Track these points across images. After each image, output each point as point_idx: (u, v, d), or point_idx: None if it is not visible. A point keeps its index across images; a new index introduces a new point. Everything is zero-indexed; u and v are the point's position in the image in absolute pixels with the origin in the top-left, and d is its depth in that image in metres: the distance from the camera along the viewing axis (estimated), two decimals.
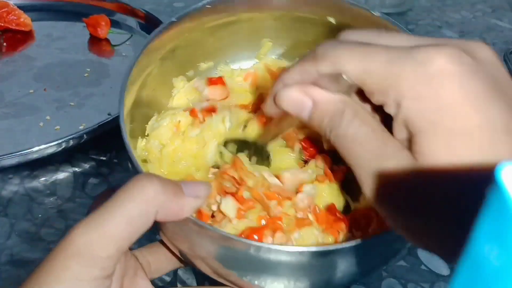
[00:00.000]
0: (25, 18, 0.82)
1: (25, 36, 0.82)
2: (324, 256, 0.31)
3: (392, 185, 0.25)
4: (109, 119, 0.60)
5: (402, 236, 0.26)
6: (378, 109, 0.27)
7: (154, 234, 0.34)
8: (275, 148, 0.42)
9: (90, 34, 0.82)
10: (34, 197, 0.56)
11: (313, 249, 0.30)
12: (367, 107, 0.29)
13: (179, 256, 0.36)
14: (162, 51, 0.43)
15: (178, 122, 0.43)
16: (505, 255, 0.12)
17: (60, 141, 0.57)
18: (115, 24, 0.84)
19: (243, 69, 0.48)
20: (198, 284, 0.49)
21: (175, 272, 0.49)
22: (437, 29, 0.94)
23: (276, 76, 0.35)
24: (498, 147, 0.23)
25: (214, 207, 0.38)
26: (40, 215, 0.54)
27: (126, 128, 0.35)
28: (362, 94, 0.28)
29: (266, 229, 0.35)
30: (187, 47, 0.45)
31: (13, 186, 0.57)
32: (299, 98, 0.28)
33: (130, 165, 0.34)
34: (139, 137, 0.41)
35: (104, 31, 0.81)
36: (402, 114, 0.24)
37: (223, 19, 0.45)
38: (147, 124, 0.43)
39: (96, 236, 0.26)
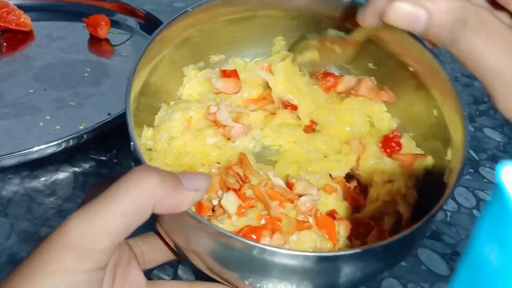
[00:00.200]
0: (25, 18, 0.82)
1: (25, 36, 0.82)
2: (317, 262, 0.30)
3: None
4: (109, 119, 0.60)
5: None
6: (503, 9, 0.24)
7: (150, 224, 0.34)
8: (287, 64, 0.43)
9: (90, 34, 0.82)
10: (34, 197, 0.56)
11: (307, 253, 0.30)
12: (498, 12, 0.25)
13: (174, 249, 0.35)
14: (176, 40, 0.43)
15: (190, 117, 0.43)
16: (505, 255, 0.12)
17: (60, 141, 0.57)
18: (115, 24, 0.84)
19: (257, 61, 0.48)
20: None
21: (175, 272, 0.49)
22: None
23: None
24: None
25: (215, 202, 0.38)
26: (40, 215, 0.54)
27: (130, 110, 0.34)
28: None
29: (265, 229, 0.35)
30: (201, 37, 0.44)
31: (13, 186, 0.57)
32: (412, 11, 0.25)
33: (131, 147, 0.33)
34: (145, 125, 0.41)
35: (104, 31, 0.81)
36: None
37: (239, 14, 0.44)
38: (156, 114, 0.43)
39: (91, 228, 0.26)
